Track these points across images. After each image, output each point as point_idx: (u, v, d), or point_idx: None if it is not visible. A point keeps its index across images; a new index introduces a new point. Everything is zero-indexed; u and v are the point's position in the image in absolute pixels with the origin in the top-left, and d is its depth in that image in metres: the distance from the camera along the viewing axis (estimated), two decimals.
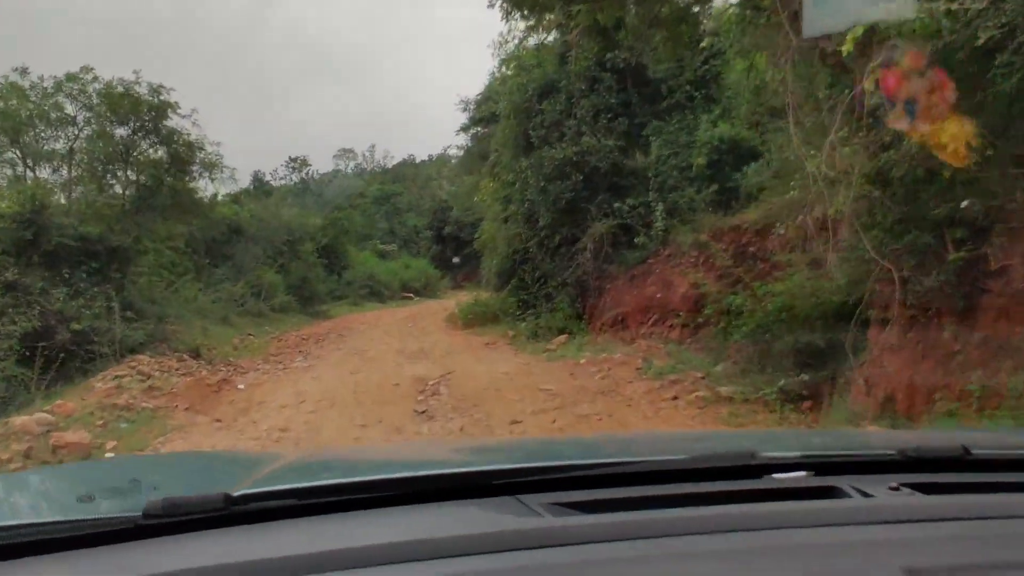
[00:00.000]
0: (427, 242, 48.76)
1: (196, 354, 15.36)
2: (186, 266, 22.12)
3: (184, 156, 18.11)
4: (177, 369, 13.15)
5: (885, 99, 4.31)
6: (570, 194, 14.91)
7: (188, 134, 18.37)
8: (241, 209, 28.85)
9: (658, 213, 14.22)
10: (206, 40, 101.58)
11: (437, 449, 2.67)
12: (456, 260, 40.66)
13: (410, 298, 36.83)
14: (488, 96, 29.65)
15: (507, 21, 12.85)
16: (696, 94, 15.46)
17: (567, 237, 15.29)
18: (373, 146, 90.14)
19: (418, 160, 70.42)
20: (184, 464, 2.30)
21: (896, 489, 1.26)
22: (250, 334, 21.94)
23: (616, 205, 14.74)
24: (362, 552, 0.99)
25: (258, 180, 40.92)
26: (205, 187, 19.72)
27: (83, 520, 1.18)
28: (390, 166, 72.43)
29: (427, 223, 49.58)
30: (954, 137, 3.99)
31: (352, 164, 73.87)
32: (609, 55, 15.57)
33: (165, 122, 17.64)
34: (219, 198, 28.01)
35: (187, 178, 18.62)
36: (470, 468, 1.48)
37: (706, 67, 15.56)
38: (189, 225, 23.52)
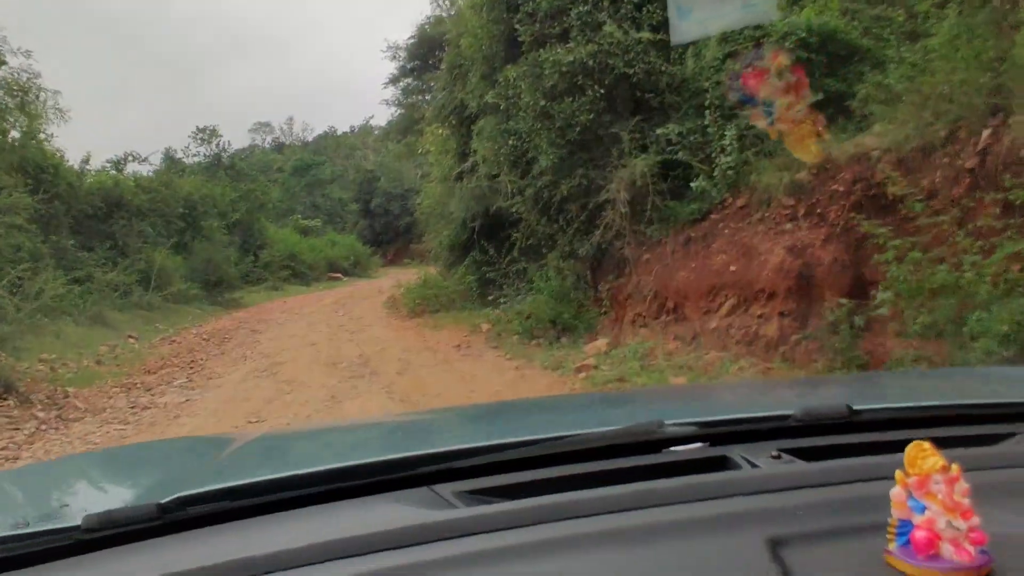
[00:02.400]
0: (354, 216, 43.00)
1: (7, 388, 9.09)
2: (37, 250, 15.34)
3: None
4: None
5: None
6: (587, 116, 9.03)
7: None
8: (122, 178, 21.92)
9: (725, 143, 8.61)
10: (107, 20, 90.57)
11: (366, 429, 2.24)
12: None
13: (339, 279, 31.64)
14: (422, 36, 23.56)
15: None
16: None
17: (581, 185, 9.39)
18: (291, 119, 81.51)
19: (340, 132, 64.03)
20: (128, 460, 2.02)
21: (777, 457, 1.20)
22: (131, 336, 15.96)
23: (658, 132, 9.00)
24: (285, 555, 0.96)
25: (169, 157, 33.87)
26: (20, 123, 12.68)
27: (15, 537, 1.09)
28: (310, 139, 65.63)
29: (353, 195, 43.64)
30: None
31: (269, 138, 66.78)
32: None
33: None
34: (89, 163, 21.21)
35: None
36: (384, 458, 1.34)
37: None
38: (45, 195, 16.85)
